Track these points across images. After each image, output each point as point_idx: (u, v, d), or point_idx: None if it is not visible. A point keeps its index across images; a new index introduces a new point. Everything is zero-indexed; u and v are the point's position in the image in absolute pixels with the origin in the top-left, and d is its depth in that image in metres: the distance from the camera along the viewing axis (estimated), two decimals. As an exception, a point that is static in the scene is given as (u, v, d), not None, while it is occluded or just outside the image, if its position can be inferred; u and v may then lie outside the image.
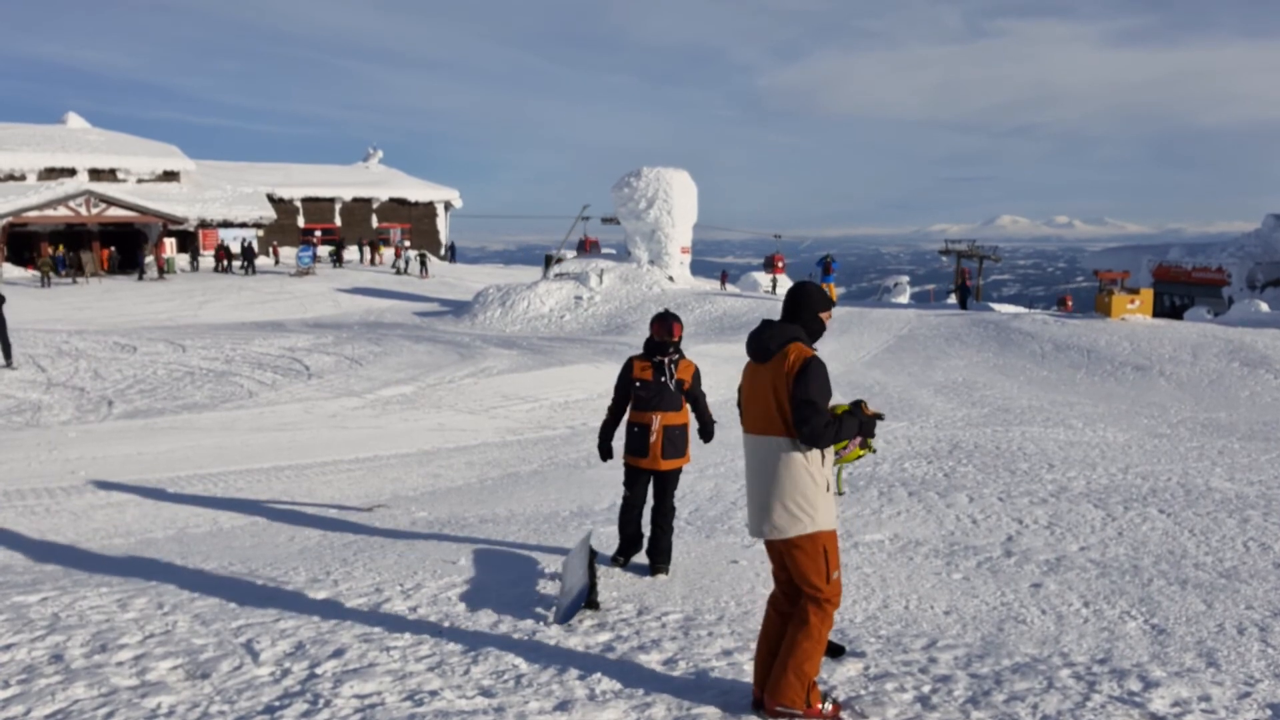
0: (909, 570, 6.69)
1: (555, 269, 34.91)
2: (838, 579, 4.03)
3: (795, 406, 3.88)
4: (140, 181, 44.68)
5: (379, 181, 55.81)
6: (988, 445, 11.90)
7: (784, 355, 3.98)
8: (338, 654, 4.84)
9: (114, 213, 41.50)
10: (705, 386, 6.67)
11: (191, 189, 45.74)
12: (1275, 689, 4.59)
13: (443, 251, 54.87)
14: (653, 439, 6.27)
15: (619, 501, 6.72)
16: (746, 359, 4.23)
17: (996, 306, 34.18)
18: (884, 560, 6.95)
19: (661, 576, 6.34)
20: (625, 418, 6.51)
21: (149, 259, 40.90)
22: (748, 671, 4.52)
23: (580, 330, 28.70)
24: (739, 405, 4.32)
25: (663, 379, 6.30)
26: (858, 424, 4.05)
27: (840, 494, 4.87)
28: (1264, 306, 28.27)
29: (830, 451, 4.06)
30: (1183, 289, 39.45)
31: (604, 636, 5.13)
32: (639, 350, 6.69)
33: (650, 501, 6.50)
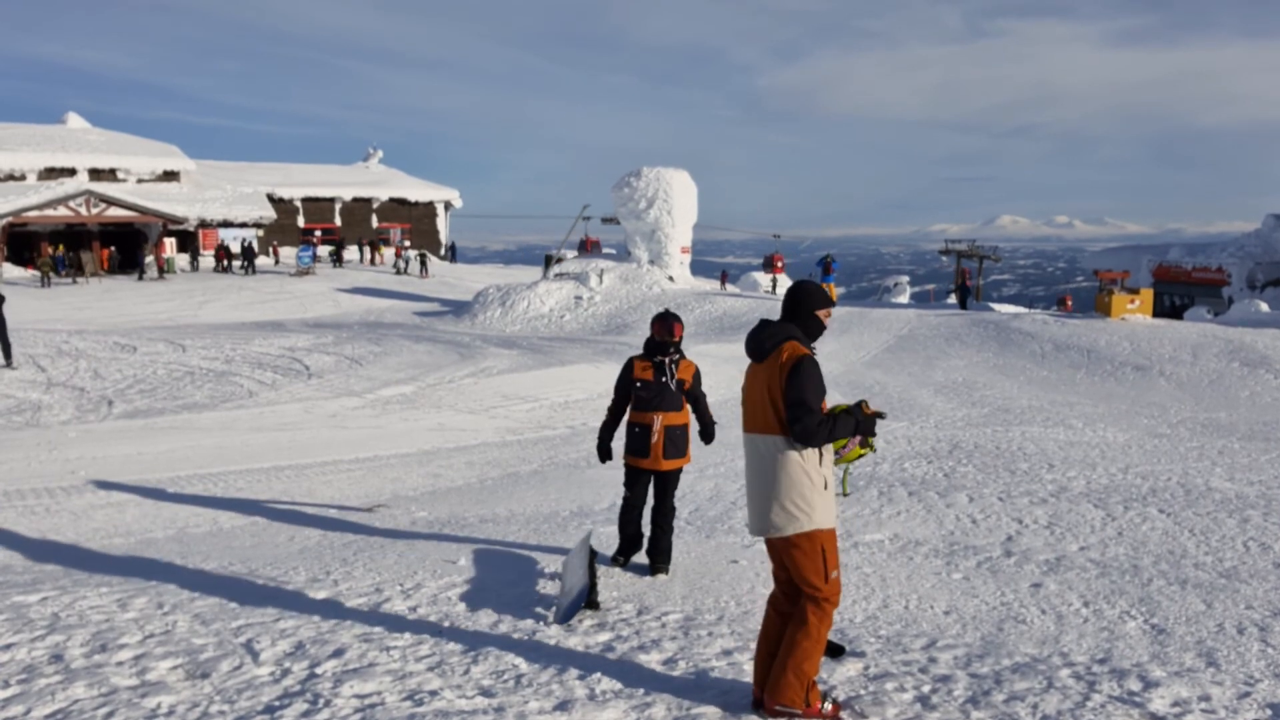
0: (909, 570, 6.69)
1: (555, 269, 34.92)
2: (836, 578, 4.03)
3: (787, 406, 3.88)
4: (140, 181, 44.69)
5: (379, 181, 55.81)
6: (988, 445, 11.90)
7: (778, 354, 3.99)
8: (338, 654, 4.84)
9: (114, 213, 41.51)
10: (705, 386, 6.67)
11: (191, 189, 45.75)
12: (1275, 689, 4.59)
13: (443, 251, 54.88)
14: (654, 439, 6.26)
15: (619, 501, 6.72)
16: (746, 359, 4.23)
17: (996, 306, 34.18)
18: (884, 560, 6.95)
19: (661, 576, 6.34)
20: (625, 418, 6.49)
21: (149, 259, 40.91)
22: (748, 671, 4.53)
23: (580, 330, 28.70)
24: (743, 405, 4.33)
25: (664, 379, 6.29)
26: (854, 423, 4.03)
27: (844, 495, 4.86)
28: (1264, 306, 28.27)
29: (829, 450, 4.06)
30: (1183, 289, 39.46)
31: (604, 636, 5.14)
32: (639, 350, 6.69)
33: (650, 501, 6.49)
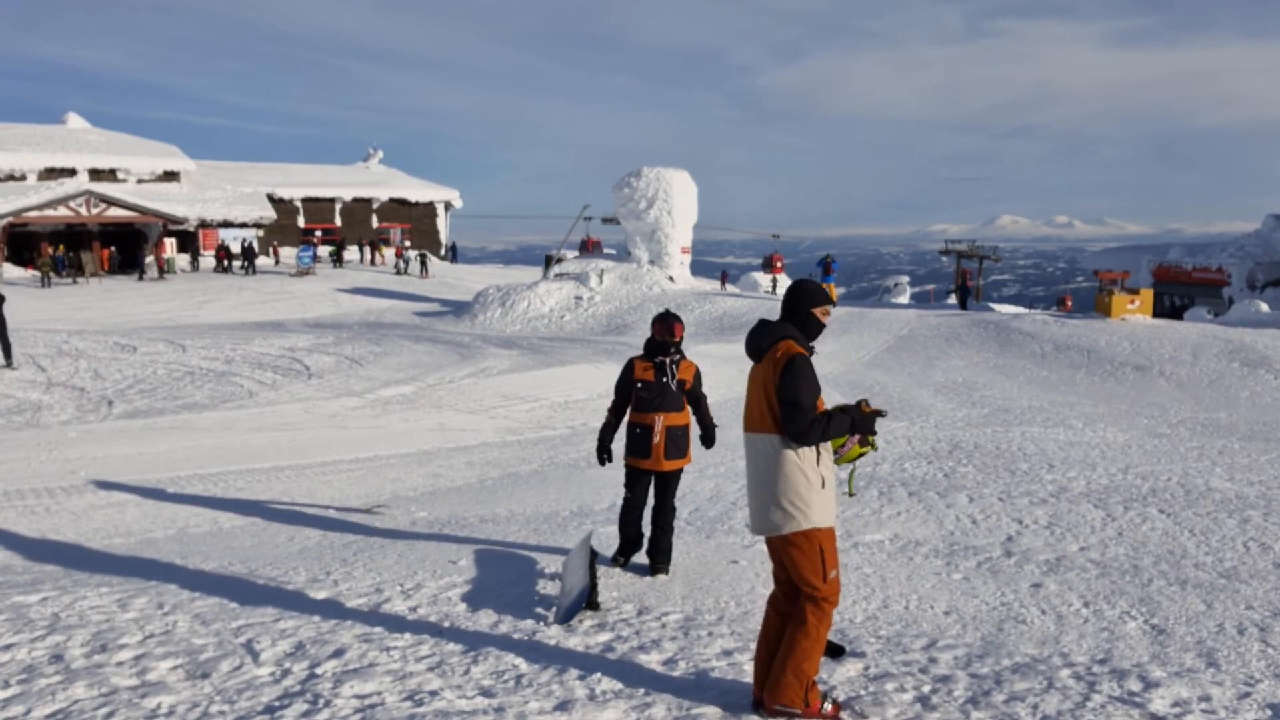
0: (909, 570, 6.69)
1: (555, 269, 34.92)
2: (835, 578, 4.02)
3: (780, 404, 3.89)
4: (140, 181, 44.68)
5: (379, 181, 55.81)
6: (988, 445, 11.90)
7: (774, 353, 3.99)
8: (338, 654, 4.84)
9: (114, 213, 41.50)
10: (705, 387, 6.66)
11: (191, 189, 45.75)
12: (1275, 689, 4.59)
13: (443, 251, 54.88)
14: (656, 440, 6.25)
15: (619, 502, 6.72)
16: (747, 359, 4.24)
17: (996, 307, 34.19)
18: (884, 560, 6.95)
19: (661, 577, 6.34)
20: (626, 419, 6.48)
21: (149, 259, 40.92)
22: (748, 671, 4.52)
23: (580, 330, 28.70)
24: (745, 405, 4.33)
25: (664, 379, 6.29)
26: (849, 421, 4.01)
27: (850, 495, 4.86)
28: (1264, 306, 28.27)
29: (827, 449, 4.05)
30: (1183, 289, 39.46)
31: (604, 637, 5.13)
32: (639, 350, 6.68)
33: (651, 502, 6.49)
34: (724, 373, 17.40)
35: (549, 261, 37.42)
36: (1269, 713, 4.30)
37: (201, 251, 44.26)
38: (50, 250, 39.52)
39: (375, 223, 53.98)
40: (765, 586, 5.83)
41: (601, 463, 6.56)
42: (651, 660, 4.79)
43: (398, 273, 43.81)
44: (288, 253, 46.79)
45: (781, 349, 3.98)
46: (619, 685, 4.43)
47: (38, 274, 37.30)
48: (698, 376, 6.43)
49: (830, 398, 4.18)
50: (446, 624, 5.37)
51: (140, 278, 39.35)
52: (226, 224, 44.79)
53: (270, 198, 48.44)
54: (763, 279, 37.18)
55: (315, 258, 43.27)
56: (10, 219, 39.56)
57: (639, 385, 6.32)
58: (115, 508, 9.27)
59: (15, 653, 4.85)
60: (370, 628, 5.26)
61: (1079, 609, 5.89)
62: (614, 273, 32.88)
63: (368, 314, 32.29)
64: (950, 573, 6.65)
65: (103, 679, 4.52)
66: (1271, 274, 37.29)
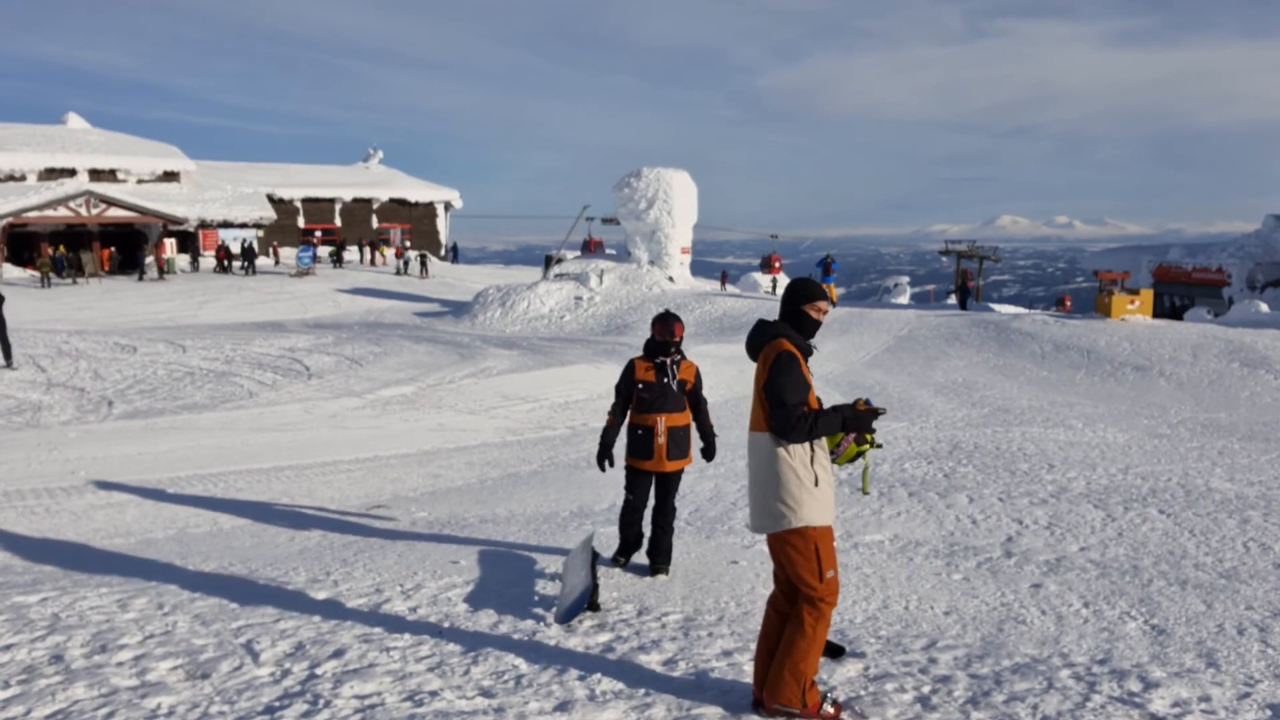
0: (909, 571, 6.69)
1: (555, 269, 34.92)
2: (833, 578, 4.01)
3: (766, 401, 3.89)
4: (140, 182, 44.68)
5: (379, 182, 55.82)
6: (988, 446, 11.90)
7: (765, 351, 4.00)
8: (338, 654, 4.84)
9: (114, 213, 41.50)
10: (705, 387, 6.66)
11: (191, 189, 45.75)
12: (1275, 689, 4.59)
13: (443, 252, 54.88)
14: (659, 440, 6.24)
15: (619, 502, 6.72)
16: (747, 359, 4.24)
17: (996, 307, 34.18)
18: (884, 561, 6.95)
19: (661, 577, 6.34)
20: (626, 420, 6.47)
21: (149, 259, 40.91)
22: (748, 672, 4.53)
23: (580, 331, 28.71)
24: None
25: (665, 380, 6.29)
26: (840, 419, 3.96)
27: (865, 493, 4.83)
28: (1264, 307, 28.27)
29: (822, 447, 4.03)
30: (1183, 289, 39.47)
31: (604, 637, 5.14)
32: (639, 351, 6.68)
33: (652, 502, 6.48)
34: (724, 373, 17.40)
35: (549, 262, 37.43)
36: (1269, 713, 4.30)
37: (201, 252, 44.25)
38: (50, 250, 39.51)
39: (375, 223, 53.99)
40: (765, 587, 5.83)
41: (603, 468, 6.46)
42: (651, 660, 4.79)
43: (398, 273, 43.82)
44: (288, 253, 46.79)
45: (770, 346, 4.00)
46: (619, 685, 4.43)
47: (37, 274, 37.30)
48: (698, 377, 6.43)
49: (830, 398, 4.17)
50: (446, 624, 5.37)
51: (140, 278, 39.34)
52: (226, 224, 44.79)
53: (270, 198, 48.45)
54: (762, 279, 37.21)
55: (315, 258, 43.27)
56: (10, 219, 39.55)
57: (640, 386, 6.31)
58: (115, 508, 9.27)
59: (15, 653, 4.85)
60: (370, 628, 5.26)
61: (1079, 609, 5.89)
62: (614, 273, 32.88)
63: (368, 314, 32.29)
64: (950, 573, 6.65)
65: (103, 679, 4.52)
66: (1271, 274, 37.29)
